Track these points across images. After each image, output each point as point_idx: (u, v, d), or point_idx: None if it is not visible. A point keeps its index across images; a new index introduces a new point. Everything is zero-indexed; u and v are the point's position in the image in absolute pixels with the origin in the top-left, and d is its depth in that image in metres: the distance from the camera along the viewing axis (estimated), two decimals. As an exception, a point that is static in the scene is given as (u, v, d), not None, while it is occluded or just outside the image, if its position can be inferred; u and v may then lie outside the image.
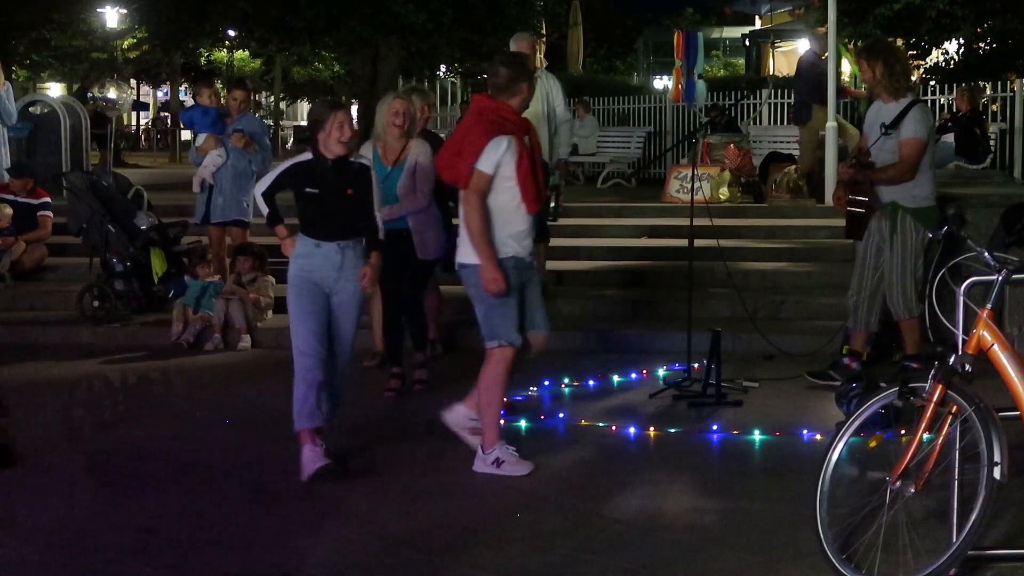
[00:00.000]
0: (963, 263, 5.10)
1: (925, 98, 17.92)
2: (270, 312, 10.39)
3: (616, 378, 8.56)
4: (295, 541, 5.37)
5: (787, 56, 35.62)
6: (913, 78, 18.86)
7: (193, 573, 5.05)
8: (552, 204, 6.97)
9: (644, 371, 8.72)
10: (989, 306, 4.75)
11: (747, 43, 37.09)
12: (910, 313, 7.61)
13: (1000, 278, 4.75)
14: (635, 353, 9.27)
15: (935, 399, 4.61)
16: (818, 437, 6.88)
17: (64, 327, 10.45)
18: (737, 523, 5.56)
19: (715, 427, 7.24)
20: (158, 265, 10.87)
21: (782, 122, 19.86)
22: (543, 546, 5.29)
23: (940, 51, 23.21)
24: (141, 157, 35.14)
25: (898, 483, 4.63)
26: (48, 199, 12.29)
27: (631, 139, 21.02)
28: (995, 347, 4.72)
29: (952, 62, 22.74)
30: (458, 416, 6.60)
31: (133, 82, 46.14)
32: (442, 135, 22.74)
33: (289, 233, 6.63)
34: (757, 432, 7.08)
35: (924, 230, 7.50)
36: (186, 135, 25.54)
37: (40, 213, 12.11)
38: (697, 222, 8.60)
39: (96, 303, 10.58)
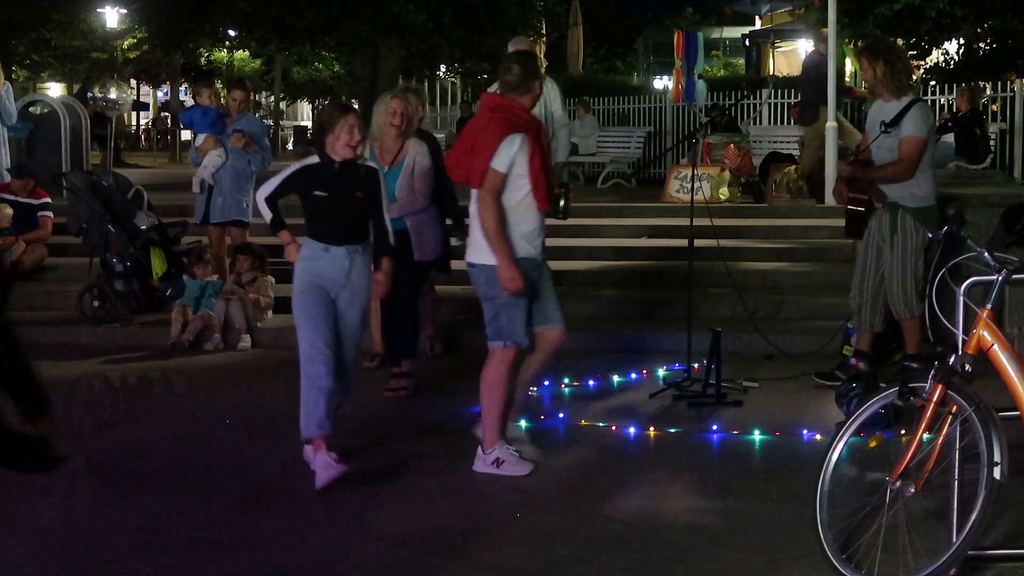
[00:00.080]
0: (963, 263, 5.10)
1: (925, 98, 17.92)
2: (270, 312, 10.40)
3: (616, 378, 8.56)
4: (295, 541, 5.37)
5: (787, 56, 35.63)
6: (914, 77, 18.84)
7: (193, 573, 5.05)
8: (562, 202, 6.94)
9: (644, 371, 8.72)
10: (989, 306, 4.75)
11: (747, 43, 37.12)
12: (911, 313, 7.61)
13: (1000, 278, 4.75)
14: (635, 353, 9.27)
15: (935, 399, 4.61)
16: (818, 437, 6.88)
17: (64, 327, 10.45)
18: (737, 523, 5.56)
19: (715, 427, 7.24)
20: (158, 265, 10.87)
21: (782, 122, 19.88)
22: (543, 546, 5.29)
23: (940, 51, 23.22)
24: (141, 157, 35.13)
25: (898, 483, 4.63)
26: (48, 199, 12.29)
27: (631, 139, 21.04)
28: (995, 347, 4.72)
29: (952, 62, 22.75)
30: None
31: (133, 82, 46.13)
32: (441, 135, 22.73)
33: (293, 238, 6.55)
34: (757, 432, 7.08)
35: (924, 230, 7.49)
36: (186, 135, 25.53)
37: (40, 213, 12.11)
38: (697, 222, 8.59)
39: (96, 303, 10.58)
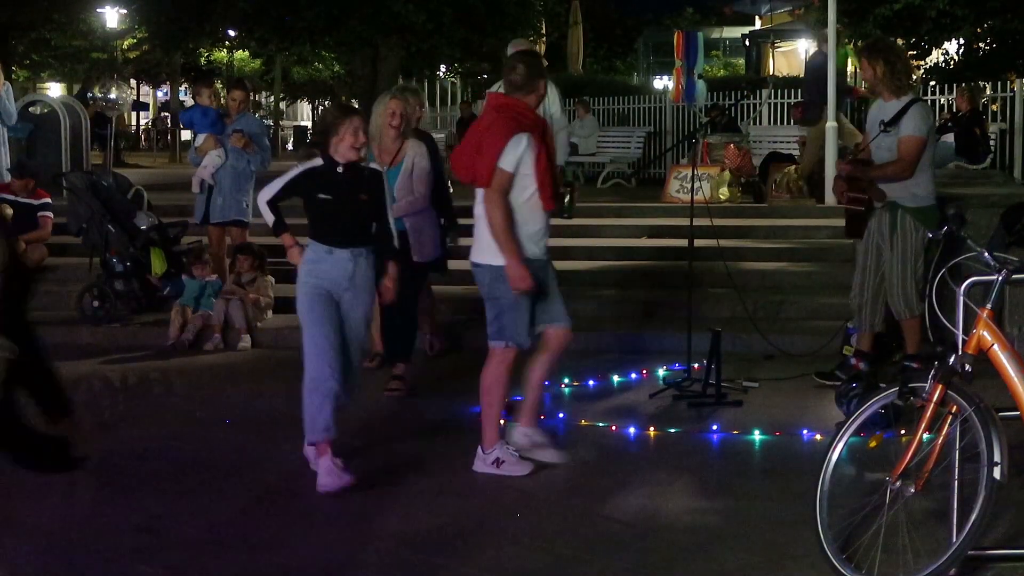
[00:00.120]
0: (963, 263, 5.10)
1: (925, 98, 17.92)
2: (270, 312, 10.40)
3: (616, 378, 8.56)
4: (295, 541, 5.37)
5: (787, 56, 35.64)
6: (914, 77, 18.83)
7: (193, 573, 5.05)
8: (567, 201, 6.93)
9: (644, 371, 8.72)
10: (989, 306, 4.75)
11: (747, 43, 37.11)
12: (911, 312, 7.60)
13: (1000, 278, 4.75)
14: (635, 353, 9.27)
15: (935, 399, 4.61)
16: (818, 437, 6.88)
17: (64, 327, 10.43)
18: (737, 523, 5.56)
19: (715, 427, 7.24)
20: (158, 265, 10.87)
21: (782, 122, 19.87)
22: (543, 546, 5.29)
23: (940, 51, 23.23)
24: (141, 157, 35.13)
25: (898, 483, 4.63)
26: (48, 199, 12.29)
27: (631, 139, 21.03)
28: (995, 347, 4.72)
29: (952, 62, 22.76)
30: (519, 436, 6.52)
31: (133, 82, 46.13)
32: (441, 135, 22.70)
33: (295, 240, 6.47)
34: (757, 432, 7.08)
35: (924, 229, 7.49)
36: (186, 135, 25.53)
37: (40, 213, 12.11)
38: (697, 222, 8.59)
39: (96, 303, 10.58)
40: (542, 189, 6.15)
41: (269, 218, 6.45)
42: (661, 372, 8.66)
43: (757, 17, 44.37)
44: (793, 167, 14.63)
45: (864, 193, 7.68)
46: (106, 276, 10.77)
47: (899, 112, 7.50)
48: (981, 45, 22.48)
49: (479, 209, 6.26)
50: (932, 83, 19.73)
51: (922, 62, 22.88)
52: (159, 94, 54.59)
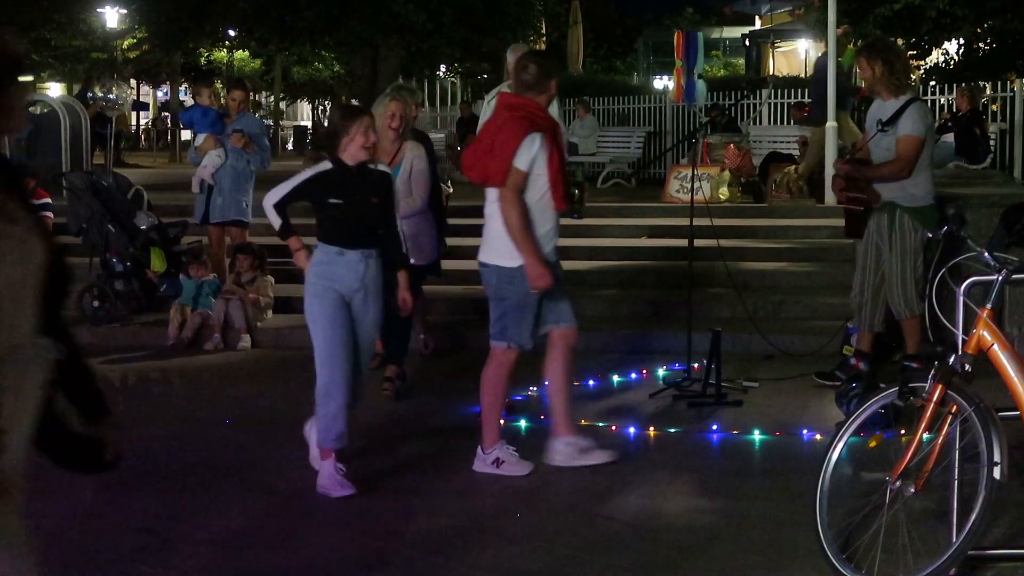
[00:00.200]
0: (963, 263, 5.10)
1: (925, 98, 17.92)
2: (270, 312, 10.40)
3: (616, 378, 8.56)
4: (295, 541, 5.37)
5: (787, 56, 35.68)
6: (913, 77, 18.85)
7: (193, 573, 5.05)
8: (578, 202, 6.89)
9: (644, 371, 8.72)
10: (989, 306, 4.75)
11: (747, 43, 37.16)
12: (911, 312, 7.60)
13: (1000, 278, 4.75)
14: (635, 353, 9.27)
15: (935, 399, 4.61)
16: (818, 437, 6.88)
17: (64, 327, 10.42)
18: (737, 523, 5.56)
19: (715, 427, 7.24)
20: (158, 265, 10.88)
21: (782, 122, 19.88)
22: (543, 546, 5.29)
23: (940, 51, 23.24)
24: (141, 157, 35.10)
25: (898, 483, 4.63)
26: (48, 200, 12.30)
27: (631, 139, 21.04)
28: (995, 347, 4.71)
29: (952, 62, 22.78)
30: (562, 447, 6.42)
31: (133, 82, 46.15)
32: (441, 135, 22.66)
33: (302, 243, 6.37)
34: (757, 432, 7.08)
35: (922, 229, 7.48)
36: (186, 135, 25.53)
37: (40, 214, 12.10)
38: (697, 222, 8.59)
39: (96, 303, 10.58)
40: (554, 189, 6.14)
41: (276, 221, 6.32)
42: (661, 372, 8.66)
43: (757, 17, 44.44)
44: (793, 167, 14.64)
45: (863, 193, 7.68)
46: (106, 276, 10.77)
47: (897, 112, 7.49)
48: (981, 45, 22.49)
49: (489, 209, 6.24)
50: (932, 83, 19.74)
51: (922, 62, 22.91)
52: (159, 94, 54.58)
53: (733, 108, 20.21)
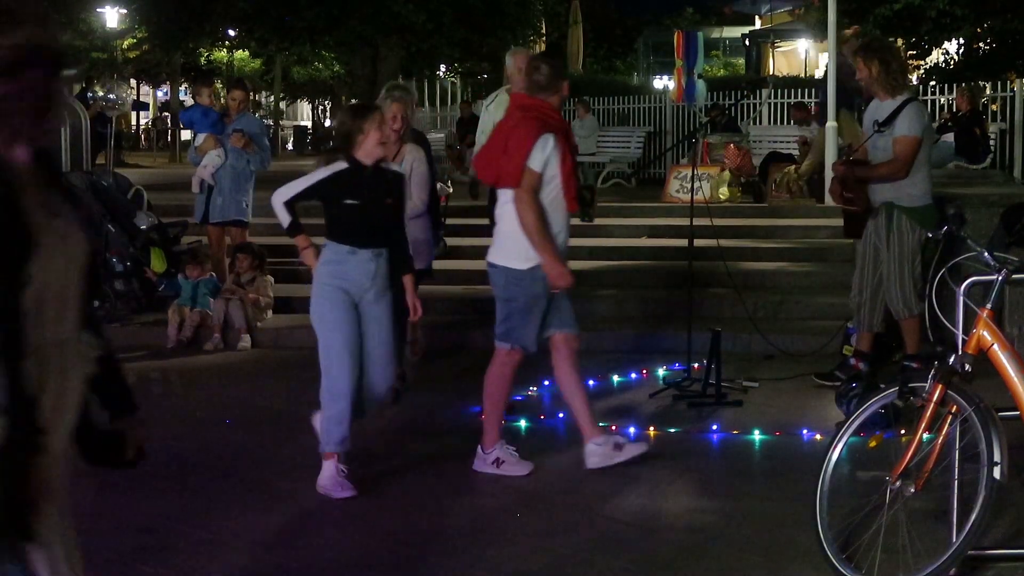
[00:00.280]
0: (963, 263, 5.10)
1: (924, 98, 17.94)
2: (270, 312, 10.39)
3: (616, 378, 8.56)
4: (295, 541, 5.37)
5: (787, 56, 35.68)
6: (912, 78, 18.86)
7: (193, 573, 5.05)
8: (590, 205, 6.85)
9: (644, 371, 8.72)
10: (989, 306, 4.74)
11: (747, 43, 37.17)
12: (910, 312, 7.60)
13: (1000, 278, 4.75)
14: (635, 353, 9.27)
15: (935, 399, 4.60)
16: (818, 437, 6.88)
17: (64, 327, 10.43)
18: (737, 523, 5.56)
19: (715, 427, 7.23)
20: (158, 265, 10.88)
21: (782, 122, 19.89)
22: (543, 546, 5.29)
23: (940, 51, 23.25)
24: (141, 157, 35.13)
25: (898, 483, 4.62)
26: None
27: (631, 139, 21.04)
28: (995, 347, 4.71)
29: (952, 62, 22.78)
30: (593, 448, 6.37)
31: (133, 82, 46.16)
32: (441, 135, 22.64)
33: (311, 242, 6.32)
34: (757, 432, 7.08)
35: (920, 229, 7.48)
36: (186, 135, 25.52)
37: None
38: (697, 222, 8.59)
39: (96, 303, 10.56)
40: (566, 190, 6.15)
41: (285, 219, 6.24)
42: (661, 372, 8.66)
43: (757, 17, 44.43)
44: (793, 167, 14.63)
45: (854, 193, 7.68)
46: (106, 276, 10.76)
47: (894, 112, 7.49)
48: (981, 45, 22.51)
49: (501, 210, 6.23)
50: (932, 83, 19.74)
51: (922, 62, 22.91)
52: (159, 94, 54.56)
53: (733, 108, 20.21)
